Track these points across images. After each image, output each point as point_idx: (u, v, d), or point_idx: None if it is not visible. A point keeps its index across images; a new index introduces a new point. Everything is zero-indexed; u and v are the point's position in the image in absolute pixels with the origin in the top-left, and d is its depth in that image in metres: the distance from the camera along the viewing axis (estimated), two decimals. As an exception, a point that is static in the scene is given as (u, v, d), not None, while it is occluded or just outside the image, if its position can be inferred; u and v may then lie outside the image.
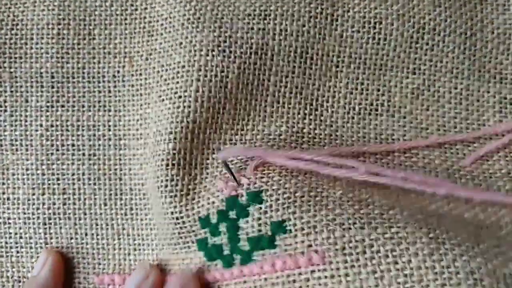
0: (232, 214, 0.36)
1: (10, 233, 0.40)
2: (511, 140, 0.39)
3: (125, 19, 0.40)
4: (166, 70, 0.39)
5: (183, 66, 0.38)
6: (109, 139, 0.40)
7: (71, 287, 0.40)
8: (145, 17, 0.40)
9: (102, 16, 0.41)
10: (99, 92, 0.41)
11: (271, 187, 0.36)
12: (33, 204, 0.40)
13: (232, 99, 0.39)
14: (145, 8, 0.40)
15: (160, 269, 0.39)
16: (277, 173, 0.36)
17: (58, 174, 0.40)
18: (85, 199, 0.40)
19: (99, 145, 0.40)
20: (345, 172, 0.35)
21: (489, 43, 0.39)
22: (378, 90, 0.40)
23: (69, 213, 0.40)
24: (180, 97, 0.38)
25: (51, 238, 0.40)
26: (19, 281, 0.40)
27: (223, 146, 0.39)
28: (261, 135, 0.39)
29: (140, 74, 0.40)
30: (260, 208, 0.35)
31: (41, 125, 0.40)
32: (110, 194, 0.40)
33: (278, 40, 0.39)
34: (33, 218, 0.40)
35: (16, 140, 0.41)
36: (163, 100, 0.39)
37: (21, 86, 0.41)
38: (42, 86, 0.41)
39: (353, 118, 0.39)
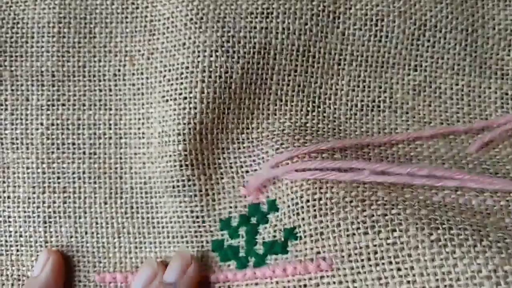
0: (254, 220, 0.38)
1: (10, 231, 0.40)
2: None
3: (126, 17, 0.41)
4: (169, 70, 0.39)
5: (187, 67, 0.39)
6: (110, 138, 0.40)
7: (72, 285, 0.40)
8: (146, 16, 0.40)
9: (103, 15, 0.41)
10: (100, 90, 0.41)
11: (282, 193, 0.37)
12: (34, 202, 0.40)
13: (236, 99, 0.39)
14: (146, 7, 0.40)
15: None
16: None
17: (58, 172, 0.40)
18: (85, 197, 0.40)
19: (100, 143, 0.40)
20: (352, 175, 0.35)
21: (490, 39, 0.40)
22: (380, 87, 0.40)
23: (69, 212, 0.40)
24: (185, 98, 0.38)
25: (51, 237, 0.40)
26: (19, 280, 0.40)
27: (231, 145, 0.39)
28: (266, 133, 0.39)
29: (142, 73, 0.40)
30: (277, 215, 0.37)
31: (41, 124, 0.41)
32: (111, 193, 0.40)
33: (281, 39, 0.39)
34: (33, 217, 0.40)
35: (16, 139, 0.41)
36: (167, 100, 0.39)
37: (21, 85, 0.41)
38: (42, 85, 0.41)
39: (355, 114, 0.40)
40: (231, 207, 0.39)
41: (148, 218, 0.40)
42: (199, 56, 0.38)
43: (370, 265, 0.33)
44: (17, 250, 0.40)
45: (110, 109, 0.41)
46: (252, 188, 0.38)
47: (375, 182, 0.36)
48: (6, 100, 0.41)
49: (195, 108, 0.38)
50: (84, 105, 0.41)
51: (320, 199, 0.35)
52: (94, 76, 0.41)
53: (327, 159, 0.37)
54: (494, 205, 0.35)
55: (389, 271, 0.33)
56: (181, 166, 0.39)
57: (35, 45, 0.41)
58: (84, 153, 0.40)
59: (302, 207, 0.36)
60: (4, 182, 0.41)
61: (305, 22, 0.39)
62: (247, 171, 0.39)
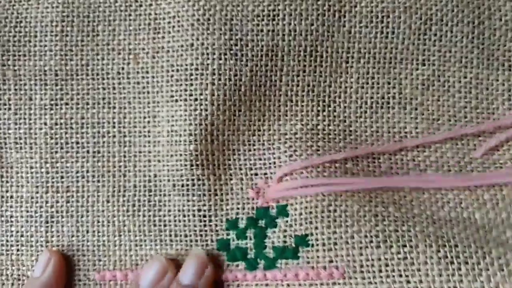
0: (261, 223, 0.39)
1: (12, 231, 0.40)
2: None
3: (129, 15, 0.41)
4: (177, 70, 0.39)
5: (196, 69, 0.39)
6: (114, 136, 0.40)
7: (72, 285, 0.40)
8: (150, 14, 0.40)
9: (106, 12, 0.41)
10: (104, 89, 0.41)
11: (295, 200, 0.38)
12: (36, 202, 0.40)
13: (246, 101, 0.39)
14: (150, 5, 0.40)
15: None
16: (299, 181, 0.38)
17: (62, 172, 0.40)
18: (88, 196, 0.40)
19: (104, 142, 0.40)
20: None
21: (497, 31, 0.39)
22: (389, 83, 0.40)
23: (72, 211, 0.40)
24: (196, 99, 0.39)
25: (52, 236, 0.40)
26: (19, 279, 0.40)
27: (242, 147, 0.40)
28: (277, 135, 0.40)
29: (147, 72, 0.40)
30: (287, 221, 0.38)
31: (45, 123, 0.40)
32: (113, 191, 0.40)
33: (288, 40, 0.39)
34: (36, 216, 0.40)
35: (20, 139, 0.41)
36: (176, 100, 0.39)
37: (25, 84, 0.41)
38: (46, 84, 0.41)
39: (365, 112, 0.40)
40: (238, 208, 0.39)
41: (149, 216, 0.40)
42: (208, 58, 0.39)
43: (381, 277, 0.35)
44: (18, 250, 0.40)
45: (114, 108, 0.41)
46: (269, 199, 0.39)
47: (386, 190, 0.38)
48: (9, 99, 0.41)
49: (206, 110, 0.39)
50: (87, 103, 0.41)
51: (335, 210, 0.37)
52: (97, 74, 0.41)
53: (340, 169, 0.39)
54: (495, 218, 0.37)
55: (399, 283, 0.35)
56: (191, 165, 0.39)
57: (38, 44, 0.41)
58: (87, 152, 0.40)
59: (316, 216, 0.37)
60: (7, 181, 0.41)
61: (311, 22, 0.39)
62: (256, 174, 0.40)
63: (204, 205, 0.39)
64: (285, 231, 0.38)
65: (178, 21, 0.40)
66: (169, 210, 0.39)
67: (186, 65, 0.39)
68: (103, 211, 0.40)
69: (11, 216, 0.40)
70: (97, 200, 0.40)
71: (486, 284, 0.33)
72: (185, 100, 0.39)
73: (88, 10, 0.41)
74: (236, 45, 0.39)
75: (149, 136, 0.40)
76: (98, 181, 0.40)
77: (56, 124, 0.40)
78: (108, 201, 0.40)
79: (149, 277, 0.38)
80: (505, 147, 0.39)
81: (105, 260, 0.40)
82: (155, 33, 0.40)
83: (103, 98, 0.41)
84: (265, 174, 0.39)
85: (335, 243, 0.36)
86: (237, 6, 0.39)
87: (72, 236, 0.40)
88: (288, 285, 0.37)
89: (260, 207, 0.39)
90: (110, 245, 0.40)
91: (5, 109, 0.41)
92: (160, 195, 0.40)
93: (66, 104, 0.41)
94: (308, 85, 0.40)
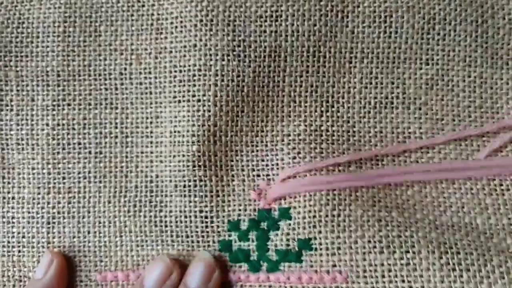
0: (264, 225, 0.39)
1: (13, 232, 0.40)
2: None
3: (132, 15, 0.41)
4: (180, 71, 0.40)
5: (199, 70, 0.39)
6: (116, 137, 0.40)
7: (73, 285, 0.40)
8: (152, 14, 0.40)
9: (108, 13, 0.41)
10: (106, 89, 0.41)
11: (298, 203, 0.38)
12: (38, 203, 0.40)
13: (249, 102, 0.39)
14: (153, 5, 0.40)
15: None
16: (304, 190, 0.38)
17: (64, 173, 0.40)
18: (89, 197, 0.40)
19: (106, 143, 0.40)
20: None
21: (501, 29, 0.39)
22: (393, 83, 0.40)
23: (73, 212, 0.40)
24: (199, 100, 0.39)
25: (53, 237, 0.40)
26: (20, 281, 0.40)
27: (245, 147, 0.40)
28: (280, 136, 0.40)
29: (149, 73, 0.40)
30: (289, 224, 0.38)
31: (47, 124, 0.41)
32: (115, 192, 0.40)
33: (291, 41, 0.39)
34: (37, 217, 0.40)
35: (22, 139, 0.41)
36: (179, 101, 0.39)
37: (27, 85, 0.41)
38: (48, 85, 0.41)
39: (369, 112, 0.40)
40: (240, 210, 0.39)
41: (150, 217, 0.39)
42: (211, 59, 0.39)
43: (384, 282, 0.36)
44: (19, 251, 0.40)
45: (116, 108, 0.41)
46: (271, 199, 0.39)
47: (389, 193, 0.39)
48: (11, 100, 0.41)
49: (209, 111, 0.39)
50: (90, 104, 0.41)
51: (338, 215, 0.37)
52: (99, 75, 0.41)
53: (343, 172, 0.39)
54: (496, 223, 0.37)
55: None
56: (194, 166, 0.39)
57: (40, 44, 0.41)
58: (90, 152, 0.40)
59: (320, 220, 0.37)
60: (9, 183, 0.41)
61: (314, 23, 0.39)
62: (258, 175, 0.40)
63: (206, 206, 0.39)
64: (288, 234, 0.38)
65: (181, 22, 0.40)
66: (171, 211, 0.39)
67: (189, 66, 0.39)
68: (104, 211, 0.40)
69: (13, 217, 0.40)
70: (98, 201, 0.40)
71: None
72: (188, 101, 0.39)
73: (90, 10, 0.41)
74: (239, 46, 0.39)
75: (151, 136, 0.40)
76: (100, 181, 0.40)
77: (58, 125, 0.41)
78: (109, 202, 0.40)
79: (153, 278, 0.38)
80: (509, 148, 0.39)
81: (107, 261, 0.40)
82: (157, 34, 0.40)
83: (105, 99, 0.41)
84: (267, 175, 0.39)
85: (339, 248, 0.37)
86: (239, 7, 0.39)
87: (74, 237, 0.40)
88: (291, 287, 0.37)
89: (262, 209, 0.39)
90: (112, 246, 0.40)
91: (7, 110, 0.41)
92: (162, 196, 0.40)
93: (68, 105, 0.41)
94: (311, 86, 0.40)
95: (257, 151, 0.40)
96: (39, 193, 0.40)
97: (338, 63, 0.40)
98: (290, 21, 0.39)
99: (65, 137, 0.40)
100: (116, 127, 0.40)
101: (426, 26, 0.39)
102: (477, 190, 0.38)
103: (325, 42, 0.39)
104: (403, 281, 0.35)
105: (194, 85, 0.39)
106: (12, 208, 0.40)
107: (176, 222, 0.39)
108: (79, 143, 0.40)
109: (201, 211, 0.39)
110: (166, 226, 0.39)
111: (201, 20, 0.39)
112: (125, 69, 0.41)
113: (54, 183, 0.40)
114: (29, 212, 0.40)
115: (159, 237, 0.39)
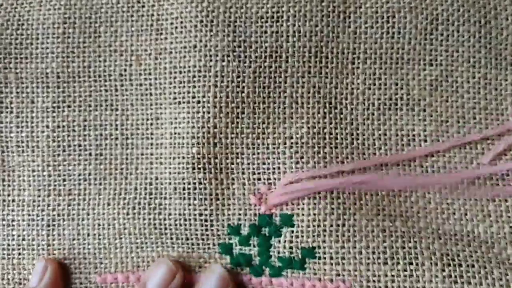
0: (265, 231, 0.39)
1: (13, 235, 0.40)
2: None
3: (132, 16, 0.41)
4: (180, 72, 0.40)
5: (199, 71, 0.39)
6: (116, 139, 0.41)
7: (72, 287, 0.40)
8: (152, 15, 0.40)
9: (108, 13, 0.41)
10: (106, 91, 0.41)
11: (301, 211, 0.38)
12: (38, 206, 0.40)
13: (250, 104, 0.39)
14: (153, 5, 0.41)
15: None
16: (306, 194, 0.38)
17: (64, 175, 0.41)
18: (89, 199, 0.40)
19: (106, 144, 0.41)
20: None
21: (504, 30, 0.39)
22: (396, 84, 0.40)
23: (73, 214, 0.40)
24: (198, 102, 0.39)
25: (53, 240, 0.40)
26: (20, 283, 0.40)
27: (246, 150, 0.39)
28: (282, 139, 0.39)
29: (149, 74, 0.40)
30: (292, 231, 0.38)
31: (47, 126, 0.41)
32: (115, 194, 0.40)
33: (292, 42, 0.39)
34: (37, 220, 0.40)
35: (22, 142, 0.41)
36: (179, 102, 0.39)
37: (27, 87, 0.41)
38: (48, 87, 0.41)
39: (373, 114, 0.39)
40: (240, 214, 0.39)
41: (150, 219, 0.40)
42: (211, 60, 0.39)
43: None
44: (19, 254, 0.40)
45: (117, 110, 0.41)
46: (272, 205, 0.39)
47: (393, 208, 0.39)
48: (11, 102, 0.41)
49: (209, 112, 0.39)
50: (90, 106, 0.41)
51: (343, 225, 0.37)
52: (99, 76, 0.41)
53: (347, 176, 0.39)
54: (498, 232, 0.38)
55: None
56: (193, 169, 0.39)
57: (40, 46, 0.41)
58: (90, 154, 0.41)
59: (324, 230, 0.38)
60: (9, 185, 0.41)
61: (315, 23, 0.39)
62: (259, 179, 0.39)
63: (206, 209, 0.39)
64: (291, 241, 0.38)
65: (181, 23, 0.40)
66: (170, 214, 0.39)
67: (189, 66, 0.39)
68: (103, 214, 0.40)
69: (13, 220, 0.41)
70: (98, 203, 0.40)
71: None
72: (188, 102, 0.39)
73: (90, 11, 0.41)
74: (239, 46, 0.39)
75: (151, 138, 0.40)
76: (100, 183, 0.40)
77: (58, 126, 0.41)
78: (108, 204, 0.40)
79: (157, 280, 0.38)
80: None
81: (106, 263, 0.40)
82: (157, 35, 0.40)
83: (106, 100, 0.41)
84: (269, 179, 0.39)
85: (343, 258, 0.37)
86: (240, 8, 0.39)
87: (73, 239, 0.40)
88: None
89: (263, 214, 0.39)
90: (111, 248, 0.40)
91: (7, 112, 0.41)
92: (161, 198, 0.40)
93: (68, 106, 0.41)
94: (314, 87, 0.40)
95: (258, 154, 0.39)
96: (39, 196, 0.40)
97: (341, 64, 0.40)
98: (292, 22, 0.39)
99: (65, 139, 0.41)
100: (116, 129, 0.41)
101: (429, 27, 0.39)
102: (480, 196, 0.38)
103: (327, 42, 0.39)
104: None
105: (194, 86, 0.39)
106: (12, 210, 0.41)
107: (176, 224, 0.39)
108: (80, 145, 0.41)
109: (200, 214, 0.39)
110: (165, 228, 0.39)
111: (201, 21, 0.39)
112: (125, 70, 0.41)
113: (55, 185, 0.40)
114: (29, 215, 0.40)
115: (159, 239, 0.39)
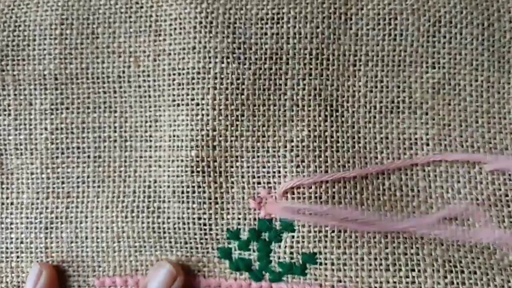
0: (265, 236, 0.39)
1: (11, 238, 0.41)
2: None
3: (130, 17, 0.41)
4: (179, 74, 0.40)
5: (198, 73, 0.39)
6: (115, 141, 0.41)
7: None
8: (151, 16, 0.40)
9: (106, 14, 0.41)
10: (104, 93, 0.41)
11: (302, 216, 0.38)
12: (37, 208, 0.41)
13: (250, 106, 0.39)
14: (151, 6, 0.40)
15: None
16: (307, 200, 0.38)
17: (63, 177, 0.41)
18: (88, 202, 0.41)
19: (105, 147, 0.41)
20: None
21: (508, 33, 0.39)
22: (399, 87, 0.39)
23: (71, 217, 0.41)
24: (197, 104, 0.39)
25: (51, 243, 0.41)
26: (18, 287, 0.41)
27: (246, 153, 0.39)
28: (282, 142, 0.39)
29: (148, 75, 0.40)
30: (293, 236, 0.38)
31: (45, 129, 0.41)
32: (113, 197, 0.40)
33: (292, 43, 0.39)
34: (36, 223, 0.41)
35: (20, 144, 0.41)
36: (178, 105, 0.39)
37: (24, 89, 0.41)
38: (45, 89, 0.41)
39: (374, 117, 0.39)
40: (239, 218, 0.39)
41: (148, 222, 0.40)
42: (210, 62, 0.39)
43: None
44: (17, 257, 0.41)
45: (115, 112, 0.41)
46: (270, 211, 0.39)
47: (395, 213, 0.39)
48: (9, 105, 0.41)
49: (208, 115, 0.39)
50: (88, 108, 0.41)
51: (345, 231, 0.37)
52: (97, 78, 0.41)
53: (348, 183, 0.38)
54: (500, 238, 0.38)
55: None
56: (192, 172, 0.39)
57: (37, 48, 0.41)
58: (88, 157, 0.41)
59: (326, 235, 0.38)
60: (7, 188, 0.41)
61: (316, 25, 0.39)
62: (259, 183, 0.39)
63: (204, 213, 0.39)
64: (291, 247, 0.38)
65: (180, 23, 0.40)
66: (168, 217, 0.40)
67: (188, 68, 0.39)
68: (102, 217, 0.40)
69: (11, 223, 0.41)
70: (96, 206, 0.40)
71: None
72: (187, 104, 0.39)
73: (88, 12, 0.41)
74: (239, 48, 0.39)
75: (150, 141, 0.40)
76: (99, 186, 0.41)
77: (56, 129, 0.41)
78: (107, 207, 0.40)
79: (156, 284, 0.38)
80: None
81: (105, 266, 0.40)
82: (156, 36, 0.40)
83: (104, 102, 0.41)
84: (269, 183, 0.39)
85: (344, 264, 0.37)
86: (240, 9, 0.39)
87: (72, 242, 0.40)
88: None
89: (262, 219, 0.39)
90: (110, 251, 0.40)
91: (5, 114, 0.41)
92: (160, 201, 0.40)
93: (67, 108, 0.41)
94: (315, 89, 0.39)
95: (258, 157, 0.39)
96: (37, 198, 0.41)
97: (342, 66, 0.39)
98: (292, 23, 0.39)
99: (64, 142, 0.41)
100: (115, 131, 0.41)
101: (432, 29, 0.39)
102: (482, 201, 0.38)
103: (328, 44, 0.39)
104: None
105: (193, 89, 0.39)
106: (11, 213, 0.41)
107: (175, 228, 0.39)
108: (78, 148, 0.41)
109: (199, 218, 0.39)
110: (164, 232, 0.40)
111: (201, 22, 0.39)
112: (123, 72, 0.41)
113: (53, 188, 0.41)
114: (27, 218, 0.41)
115: (158, 243, 0.40)
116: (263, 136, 0.39)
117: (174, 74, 0.40)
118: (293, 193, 0.38)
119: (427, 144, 0.39)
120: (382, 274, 0.37)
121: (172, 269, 0.38)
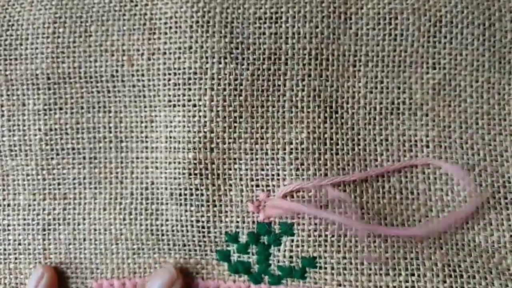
0: (264, 239, 0.39)
1: (9, 239, 0.41)
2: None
3: (124, 14, 0.40)
4: (175, 74, 0.39)
5: (195, 73, 0.39)
6: (110, 142, 0.41)
7: None
8: (145, 14, 0.40)
9: (99, 12, 0.40)
10: (98, 92, 0.40)
11: (302, 220, 0.38)
12: (34, 210, 0.41)
13: (248, 107, 0.39)
14: (146, 4, 0.40)
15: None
16: (306, 203, 0.38)
17: (59, 179, 0.41)
18: (85, 203, 0.41)
19: (100, 147, 0.41)
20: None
21: (509, 33, 0.39)
22: (399, 87, 0.39)
23: (69, 219, 0.41)
24: (194, 105, 0.39)
25: (49, 244, 0.41)
26: None
27: (244, 155, 0.39)
28: (281, 144, 0.39)
29: (142, 75, 0.40)
30: (292, 240, 0.38)
31: (39, 129, 0.41)
32: (110, 199, 0.40)
33: (291, 43, 0.39)
34: (33, 224, 0.41)
35: (15, 146, 0.41)
36: (174, 106, 0.39)
37: (17, 89, 0.41)
38: (38, 89, 0.41)
39: (374, 118, 0.39)
40: (238, 221, 0.39)
41: (146, 225, 0.40)
42: (207, 62, 0.38)
43: None
44: (16, 258, 0.41)
45: (110, 112, 0.40)
46: (269, 214, 0.39)
47: (395, 216, 0.39)
48: (2, 106, 0.41)
49: (205, 116, 0.39)
50: (82, 108, 0.41)
51: (345, 235, 0.38)
52: (90, 77, 0.40)
53: (348, 186, 0.39)
54: (498, 241, 0.38)
55: None
56: (189, 174, 0.39)
57: (29, 47, 0.41)
58: (84, 158, 0.41)
59: (326, 240, 0.38)
60: (4, 190, 0.41)
61: (315, 25, 0.39)
62: (257, 185, 0.39)
63: (203, 216, 0.39)
64: (291, 251, 0.38)
65: (175, 22, 0.39)
66: (167, 220, 0.40)
67: (184, 68, 0.39)
68: (99, 218, 0.41)
69: (9, 225, 0.41)
70: (94, 207, 0.41)
71: None
72: (183, 105, 0.39)
73: (81, 10, 0.40)
74: (236, 48, 0.39)
75: (146, 141, 0.40)
76: (95, 187, 0.41)
77: (50, 129, 0.41)
78: (104, 209, 0.40)
79: (158, 287, 0.38)
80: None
81: (103, 268, 0.41)
82: (150, 34, 0.40)
83: (98, 102, 0.41)
84: (267, 186, 0.39)
85: (344, 268, 0.38)
86: (237, 8, 0.39)
87: (69, 243, 0.41)
88: None
89: (261, 222, 0.39)
90: (108, 253, 0.40)
91: None
92: (158, 203, 0.40)
93: (60, 108, 0.41)
94: (314, 90, 0.39)
95: (257, 159, 0.39)
96: (34, 200, 0.41)
97: (342, 66, 0.39)
98: (291, 23, 0.39)
99: (59, 142, 0.41)
100: (110, 132, 0.41)
101: (433, 29, 0.39)
102: (481, 204, 0.38)
103: (328, 44, 0.39)
104: None
105: (190, 89, 0.39)
106: (8, 215, 0.41)
107: (173, 231, 0.40)
108: (73, 148, 0.41)
109: (197, 221, 0.39)
110: (162, 235, 0.40)
111: (197, 22, 0.39)
112: (117, 71, 0.40)
113: (49, 189, 0.41)
114: (24, 219, 0.41)
115: (156, 245, 0.40)
116: (262, 138, 0.39)
117: (169, 74, 0.39)
118: (293, 197, 0.38)
119: (427, 146, 0.39)
120: (382, 278, 0.37)
121: (173, 273, 0.39)
